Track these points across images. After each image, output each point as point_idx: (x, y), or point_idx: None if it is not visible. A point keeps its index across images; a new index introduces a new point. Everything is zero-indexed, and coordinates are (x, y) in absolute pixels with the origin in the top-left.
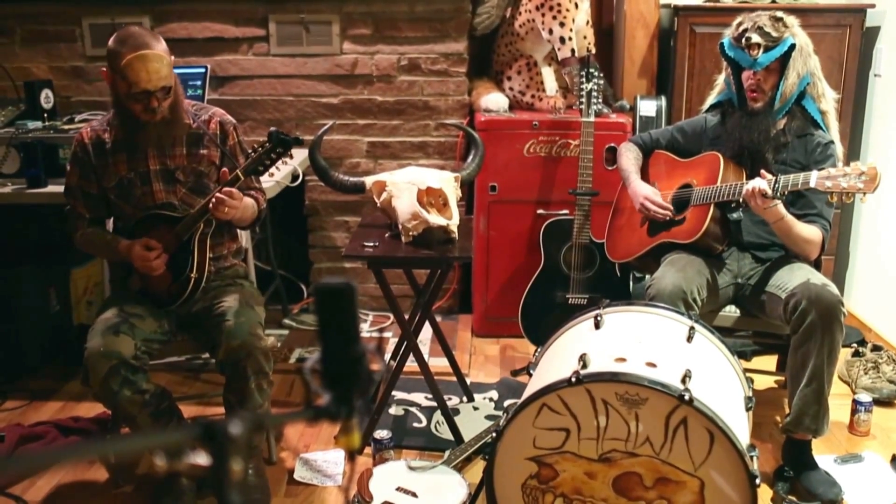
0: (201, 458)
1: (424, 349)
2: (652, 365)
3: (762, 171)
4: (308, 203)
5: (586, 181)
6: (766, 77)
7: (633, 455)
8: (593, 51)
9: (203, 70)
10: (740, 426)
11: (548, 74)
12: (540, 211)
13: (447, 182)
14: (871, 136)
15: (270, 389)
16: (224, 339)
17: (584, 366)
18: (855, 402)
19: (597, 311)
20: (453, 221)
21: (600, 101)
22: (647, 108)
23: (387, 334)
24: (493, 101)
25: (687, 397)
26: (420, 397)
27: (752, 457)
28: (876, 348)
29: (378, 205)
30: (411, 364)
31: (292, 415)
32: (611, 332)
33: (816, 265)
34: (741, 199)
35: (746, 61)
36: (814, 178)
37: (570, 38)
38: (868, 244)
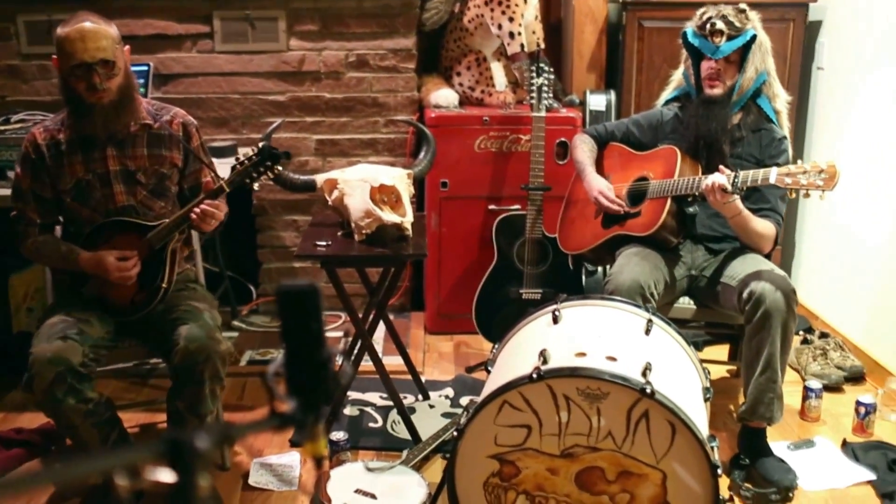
0: (165, 476)
1: (378, 348)
2: (612, 359)
3: (720, 167)
4: (256, 202)
5: (538, 176)
6: (726, 68)
7: (596, 449)
8: (542, 46)
9: (146, 68)
10: (700, 417)
11: (497, 70)
12: (492, 206)
13: (400, 179)
14: (814, 129)
15: (222, 395)
16: (182, 342)
17: (545, 361)
18: (805, 388)
19: (554, 306)
20: (407, 218)
21: (550, 95)
22: (597, 102)
23: (338, 334)
24: (443, 96)
25: (648, 390)
26: (375, 397)
27: (712, 447)
28: (823, 335)
29: (330, 203)
30: (366, 363)
31: (258, 425)
32: (569, 326)
33: (767, 255)
34: (698, 194)
35: (709, 49)
36: (774, 174)
37: (520, 33)
38: (813, 233)
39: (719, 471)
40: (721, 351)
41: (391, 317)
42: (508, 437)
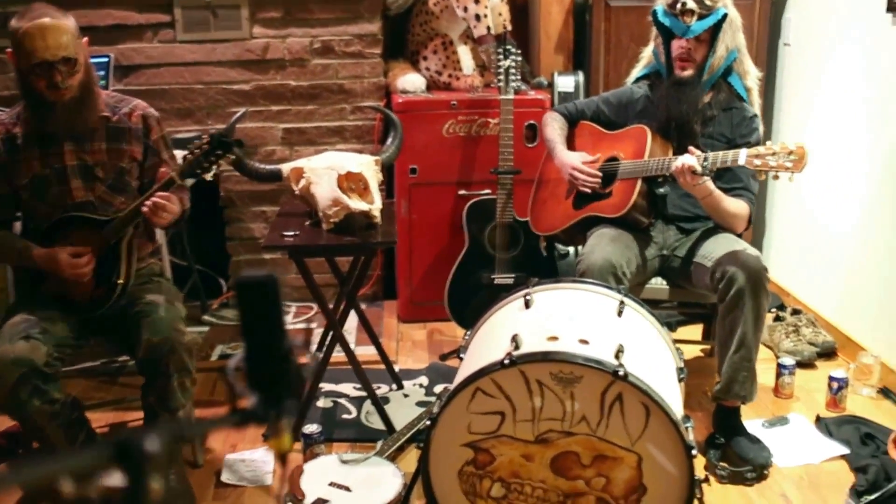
0: (115, 480)
1: (350, 338)
2: (584, 342)
3: (690, 148)
4: (223, 194)
5: (507, 160)
6: (697, 47)
7: (570, 434)
8: (509, 27)
9: (106, 59)
10: (674, 398)
11: (464, 53)
12: (462, 192)
13: (367, 166)
14: (782, 105)
15: (193, 388)
16: (145, 335)
17: (517, 347)
18: (779, 365)
19: (526, 291)
20: (375, 206)
21: (518, 78)
22: (565, 83)
23: (311, 325)
24: (410, 81)
25: (621, 373)
26: (348, 388)
27: (687, 428)
28: (795, 312)
29: (297, 192)
30: (338, 354)
31: (216, 421)
32: (541, 310)
33: (740, 233)
34: (669, 175)
35: (680, 28)
36: (743, 155)
37: (486, 16)
38: (783, 210)
39: (694, 451)
40: (695, 331)
41: (363, 306)
42: (482, 424)
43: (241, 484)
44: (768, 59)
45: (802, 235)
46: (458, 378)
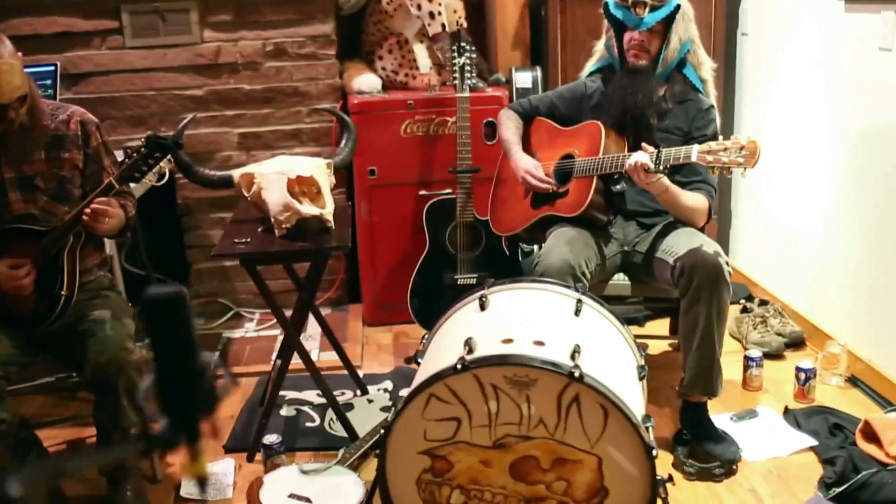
0: None
1: (315, 344)
2: (540, 343)
3: (643, 145)
4: (181, 202)
5: (465, 158)
6: (650, 39)
7: (528, 438)
8: (464, 24)
9: (52, 68)
10: (634, 397)
11: (420, 52)
12: (422, 192)
13: (318, 169)
14: (743, 96)
15: (147, 405)
16: (91, 355)
17: (471, 350)
18: (746, 358)
19: (481, 292)
20: (327, 210)
21: (474, 75)
22: (523, 79)
23: (274, 332)
24: (366, 82)
25: (577, 374)
26: (312, 395)
27: (647, 427)
28: (763, 303)
29: (248, 198)
30: (299, 363)
31: (112, 451)
32: (497, 312)
33: (702, 226)
34: (624, 172)
35: (632, 21)
36: (695, 152)
37: (440, 13)
38: (748, 201)
39: (655, 452)
40: (662, 325)
41: (328, 311)
42: (438, 431)
43: (202, 498)
44: (727, 50)
45: (768, 226)
46: (414, 384)
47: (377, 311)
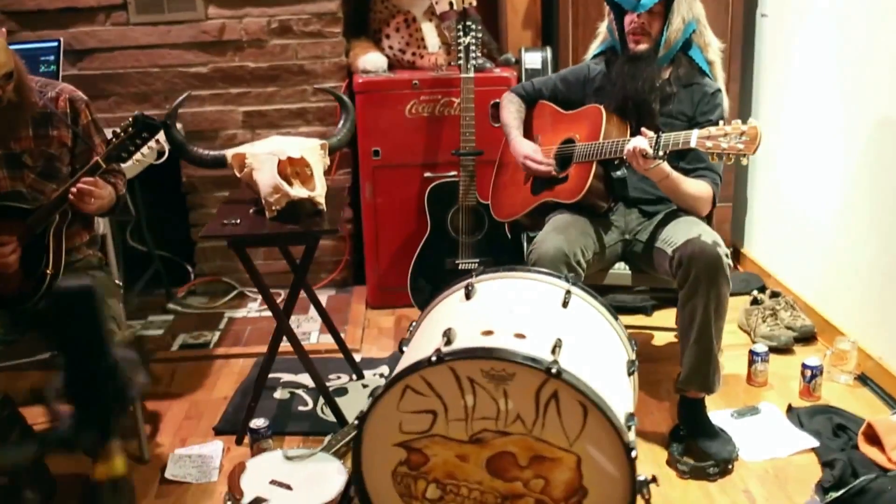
0: None
1: (315, 325)
2: (521, 336)
3: (643, 129)
4: (185, 180)
5: (469, 140)
6: (650, 21)
7: (505, 434)
8: (473, 3)
9: (55, 44)
10: (619, 394)
11: (429, 30)
12: (427, 174)
13: (311, 151)
14: (761, 78)
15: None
16: None
17: (449, 342)
18: (751, 352)
19: (468, 280)
20: (317, 193)
21: (478, 55)
22: (532, 60)
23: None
24: (371, 61)
25: (554, 370)
26: (308, 378)
27: (629, 427)
28: (774, 294)
29: (240, 179)
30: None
31: (12, 452)
32: (481, 302)
33: (709, 216)
34: (624, 157)
35: (629, 3)
36: (694, 137)
37: None
38: (765, 188)
39: (634, 453)
40: (670, 315)
41: (333, 292)
42: (414, 423)
43: (187, 480)
44: (745, 32)
45: (783, 214)
46: (390, 375)
47: (380, 293)
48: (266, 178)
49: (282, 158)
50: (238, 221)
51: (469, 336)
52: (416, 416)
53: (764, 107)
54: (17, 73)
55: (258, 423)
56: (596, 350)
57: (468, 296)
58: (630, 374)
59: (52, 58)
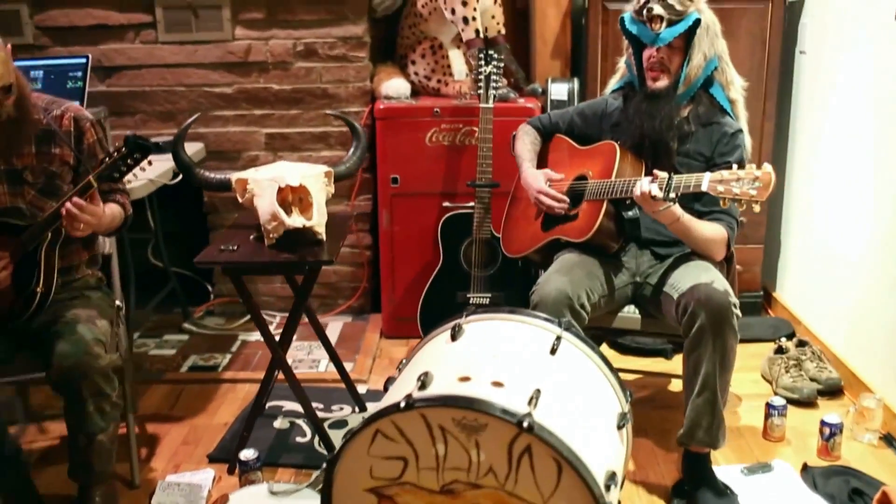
0: None
1: (326, 353)
2: (498, 384)
3: (654, 171)
4: (207, 199)
5: (486, 171)
6: (670, 56)
7: (477, 486)
8: (502, 31)
9: (84, 60)
10: (602, 450)
11: (456, 57)
12: (446, 203)
13: (314, 179)
14: (798, 116)
15: (117, 411)
16: (56, 358)
17: (423, 386)
18: (768, 405)
19: (457, 321)
20: (314, 222)
21: (500, 85)
22: (559, 91)
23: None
24: (394, 87)
25: (527, 424)
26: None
27: (609, 486)
28: (801, 344)
29: (242, 204)
30: (309, 371)
31: None
32: (466, 345)
33: (728, 263)
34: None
35: (648, 37)
36: (706, 181)
37: (475, 18)
38: (799, 231)
39: None
40: None
41: (349, 319)
42: (384, 469)
43: None
44: (783, 69)
45: (816, 260)
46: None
47: (395, 323)
48: (265, 204)
49: (281, 186)
50: (236, 248)
51: (445, 382)
52: (387, 462)
53: (800, 146)
54: (17, 88)
55: (247, 454)
56: (580, 402)
57: (454, 337)
58: (620, 427)
59: (79, 73)
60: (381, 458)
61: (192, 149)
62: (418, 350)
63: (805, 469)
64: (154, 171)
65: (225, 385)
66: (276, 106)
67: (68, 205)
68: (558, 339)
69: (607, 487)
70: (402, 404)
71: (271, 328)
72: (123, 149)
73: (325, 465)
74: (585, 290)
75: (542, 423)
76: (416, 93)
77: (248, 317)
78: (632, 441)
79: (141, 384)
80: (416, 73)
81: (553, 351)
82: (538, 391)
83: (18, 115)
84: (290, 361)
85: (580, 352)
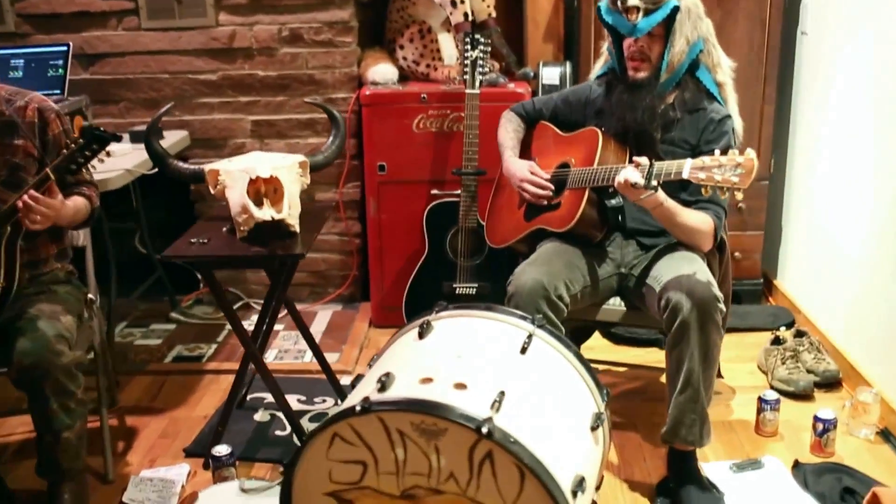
0: None
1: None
2: (461, 386)
3: (635, 159)
4: (193, 188)
5: (472, 159)
6: (650, 45)
7: (438, 492)
8: (493, 14)
9: (65, 48)
10: (571, 455)
11: (446, 41)
12: (434, 191)
13: (287, 170)
14: (799, 99)
15: (83, 408)
16: (17, 355)
17: (383, 388)
18: (760, 399)
19: (426, 317)
20: (284, 215)
21: (489, 69)
22: (550, 75)
23: (278, 326)
24: (380, 72)
25: (485, 430)
26: (293, 400)
27: (576, 492)
28: (799, 334)
29: (214, 196)
30: (293, 362)
31: None
32: (432, 343)
33: (720, 254)
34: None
35: (625, 27)
36: (687, 168)
37: (463, 2)
38: (801, 217)
39: None
40: None
41: (339, 308)
42: (343, 473)
43: None
44: (783, 51)
45: (817, 248)
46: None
47: (383, 312)
48: (236, 196)
49: (252, 177)
50: (206, 241)
51: (406, 383)
52: (346, 466)
53: (802, 130)
54: None
55: (220, 449)
56: (549, 403)
57: (422, 335)
58: (594, 428)
59: (60, 62)
60: (339, 462)
61: (177, 136)
62: (387, 347)
63: (797, 466)
64: (132, 160)
65: (208, 376)
66: (262, 93)
67: (25, 197)
68: (530, 336)
69: (574, 493)
70: (358, 408)
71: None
72: (81, 140)
73: (281, 468)
74: (564, 280)
75: (503, 429)
76: (405, 78)
77: (238, 305)
78: (610, 440)
79: (123, 375)
80: (404, 58)
81: (524, 350)
82: (502, 393)
83: None
84: (275, 352)
85: (553, 350)
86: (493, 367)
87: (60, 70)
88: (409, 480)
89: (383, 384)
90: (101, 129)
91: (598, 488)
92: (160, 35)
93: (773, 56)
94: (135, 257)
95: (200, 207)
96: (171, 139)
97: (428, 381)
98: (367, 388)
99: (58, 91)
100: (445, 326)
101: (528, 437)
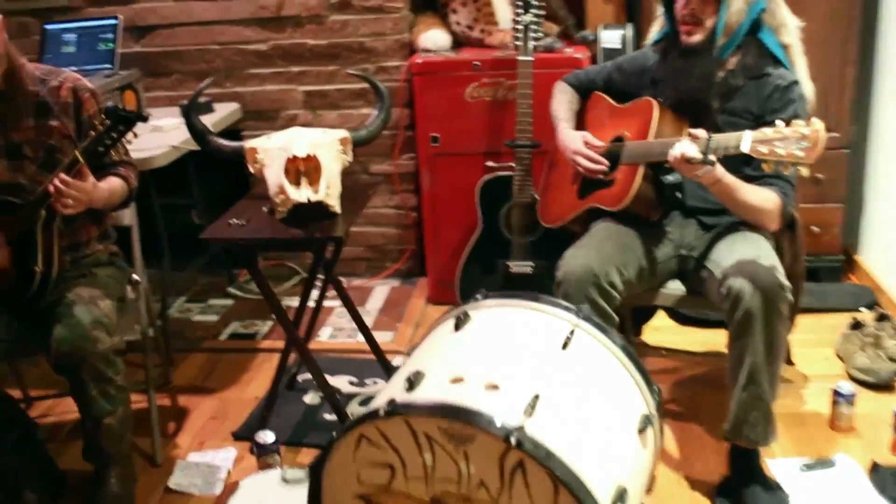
0: None
1: (370, 320)
2: (493, 388)
3: (692, 131)
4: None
5: (525, 130)
6: (702, 6)
7: (468, 500)
8: None
9: (114, 21)
10: (611, 463)
11: (501, 4)
12: (489, 163)
13: (327, 147)
14: (884, 60)
15: (124, 394)
16: (54, 342)
17: (411, 388)
18: (835, 392)
19: (463, 308)
20: (321, 196)
21: (543, 34)
22: (611, 38)
23: (334, 303)
24: (431, 38)
25: (514, 440)
26: (343, 381)
27: None
28: (882, 318)
29: (254, 174)
30: (347, 342)
31: None
32: (467, 337)
33: (791, 235)
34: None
35: None
36: (746, 140)
37: None
38: (885, 188)
39: None
40: None
41: (397, 283)
42: (371, 476)
43: (189, 491)
44: (867, 6)
45: None
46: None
47: (440, 288)
48: (273, 176)
49: (289, 156)
50: (245, 222)
51: (435, 383)
52: (373, 469)
53: (886, 94)
54: (10, 60)
55: (264, 436)
56: (590, 405)
57: (458, 326)
58: (642, 430)
59: (109, 35)
60: (367, 465)
61: (228, 109)
62: (424, 338)
63: (874, 468)
64: (177, 137)
65: (261, 355)
66: (313, 62)
67: (55, 182)
68: (573, 331)
69: None
70: (382, 411)
71: (317, 293)
72: (106, 121)
73: (308, 469)
74: (617, 265)
75: (534, 438)
76: (459, 44)
77: (296, 280)
78: (661, 440)
79: (179, 353)
80: (457, 23)
81: (565, 345)
82: (537, 397)
83: (9, 88)
84: (329, 330)
85: (599, 344)
86: (531, 364)
87: (110, 44)
88: (438, 486)
89: (411, 383)
90: (126, 108)
91: (649, 491)
92: (209, 5)
93: (855, 13)
94: (196, 230)
95: (254, 180)
96: (223, 112)
97: (459, 380)
98: (395, 387)
99: (108, 65)
100: (484, 318)
101: (564, 447)
